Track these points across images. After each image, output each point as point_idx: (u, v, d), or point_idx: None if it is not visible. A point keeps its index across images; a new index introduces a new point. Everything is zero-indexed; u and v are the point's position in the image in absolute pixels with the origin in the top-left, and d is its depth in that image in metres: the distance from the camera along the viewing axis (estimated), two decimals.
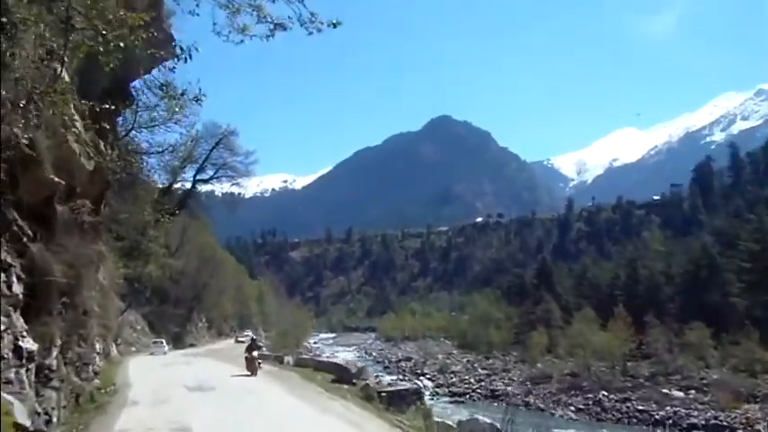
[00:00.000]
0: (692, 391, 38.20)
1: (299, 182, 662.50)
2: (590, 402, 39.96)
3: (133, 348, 42.58)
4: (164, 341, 45.07)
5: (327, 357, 70.47)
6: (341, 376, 20.53)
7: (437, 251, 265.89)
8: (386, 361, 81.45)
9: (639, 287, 65.17)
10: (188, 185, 52.21)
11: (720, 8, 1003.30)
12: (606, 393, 40.54)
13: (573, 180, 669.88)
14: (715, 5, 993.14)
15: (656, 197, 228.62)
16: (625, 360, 46.76)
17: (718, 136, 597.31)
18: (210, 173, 52.17)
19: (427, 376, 60.66)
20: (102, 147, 11.54)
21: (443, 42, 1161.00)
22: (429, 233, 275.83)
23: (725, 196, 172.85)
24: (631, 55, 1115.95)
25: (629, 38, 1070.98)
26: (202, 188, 51.95)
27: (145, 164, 27.16)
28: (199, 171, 50.95)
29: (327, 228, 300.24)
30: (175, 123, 25.76)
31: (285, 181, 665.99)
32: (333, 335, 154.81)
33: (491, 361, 67.30)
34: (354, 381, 19.59)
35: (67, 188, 10.19)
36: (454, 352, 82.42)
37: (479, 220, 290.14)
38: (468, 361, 69.54)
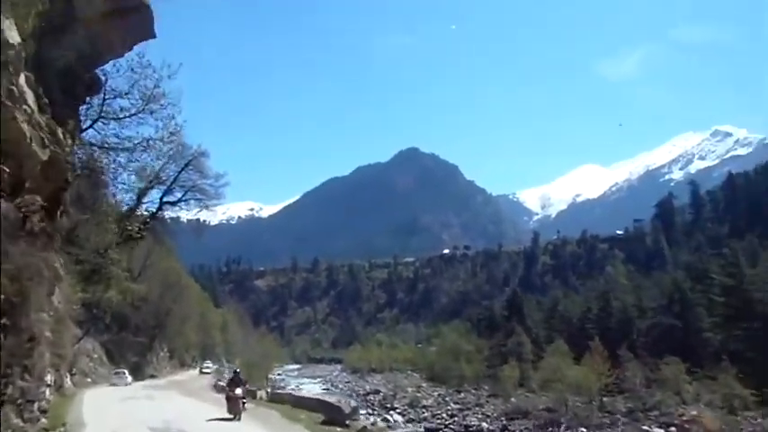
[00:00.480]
0: (673, 429, 37.15)
1: (266, 210, 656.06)
2: None
3: (89, 379, 39.81)
4: (126, 372, 42.44)
5: (293, 390, 68.01)
6: (332, 417, 18.13)
7: (404, 282, 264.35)
8: (353, 394, 78.80)
9: (612, 320, 64.67)
10: (154, 208, 49.81)
11: (679, 53, 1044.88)
12: (585, 430, 39.25)
13: (537, 214, 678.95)
14: (674, 51, 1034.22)
15: (619, 232, 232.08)
16: (602, 395, 45.66)
17: (677, 174, 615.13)
18: (179, 195, 49.79)
19: (397, 411, 58.52)
20: (61, 135, 9.60)
21: (413, 75, 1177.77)
22: (396, 264, 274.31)
23: (686, 233, 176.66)
24: (594, 95, 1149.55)
25: (592, 79, 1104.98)
26: (169, 211, 49.82)
27: (112, 161, 23.15)
28: (166, 193, 48.62)
29: (293, 257, 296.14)
30: (150, 114, 21.95)
31: (252, 209, 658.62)
32: (297, 366, 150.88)
33: (463, 395, 65.55)
34: (347, 422, 17.53)
35: (13, 180, 8.16)
36: (423, 385, 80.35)
37: (446, 251, 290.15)
38: (438, 395, 67.62)
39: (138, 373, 50.39)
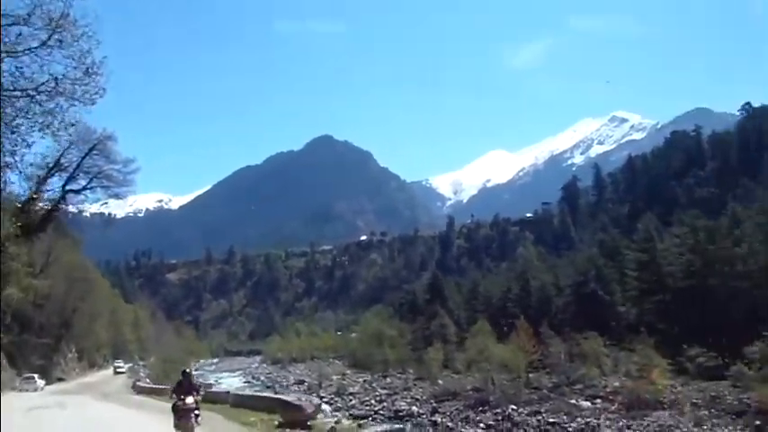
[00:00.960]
0: (599, 400, 38.25)
1: (176, 201, 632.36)
2: (500, 418, 38.87)
3: None
4: (36, 376, 38.83)
5: (214, 384, 65.50)
6: (292, 417, 15.88)
7: (322, 270, 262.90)
8: (277, 385, 77.16)
9: (532, 299, 66.42)
10: (56, 196, 45.74)
11: (578, 42, 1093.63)
12: (515, 407, 39.69)
13: (450, 200, 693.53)
14: (573, 40, 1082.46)
15: (528, 215, 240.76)
16: (527, 372, 46.56)
17: (579, 159, 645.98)
18: (83, 183, 45.73)
19: (324, 399, 57.55)
20: None
21: (324, 62, 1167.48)
22: (313, 252, 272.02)
23: (590, 214, 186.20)
24: (500, 82, 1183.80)
25: (498, 67, 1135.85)
26: (73, 201, 45.88)
27: (8, 108, 17.73)
28: (69, 180, 44.67)
29: (207, 248, 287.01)
30: (58, 46, 16.65)
31: (160, 200, 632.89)
32: (215, 360, 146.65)
33: (389, 380, 65.41)
34: (309, 423, 15.75)
35: None
36: (348, 372, 79.86)
37: (363, 238, 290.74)
38: (365, 381, 67.18)
39: (44, 378, 46.43)
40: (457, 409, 43.74)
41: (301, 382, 75.29)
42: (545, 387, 44.47)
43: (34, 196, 43.67)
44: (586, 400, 39.13)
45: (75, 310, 53.63)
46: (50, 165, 44.20)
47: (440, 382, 55.56)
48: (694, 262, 47.20)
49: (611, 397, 38.21)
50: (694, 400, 34.56)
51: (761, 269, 45.45)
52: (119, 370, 57.46)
